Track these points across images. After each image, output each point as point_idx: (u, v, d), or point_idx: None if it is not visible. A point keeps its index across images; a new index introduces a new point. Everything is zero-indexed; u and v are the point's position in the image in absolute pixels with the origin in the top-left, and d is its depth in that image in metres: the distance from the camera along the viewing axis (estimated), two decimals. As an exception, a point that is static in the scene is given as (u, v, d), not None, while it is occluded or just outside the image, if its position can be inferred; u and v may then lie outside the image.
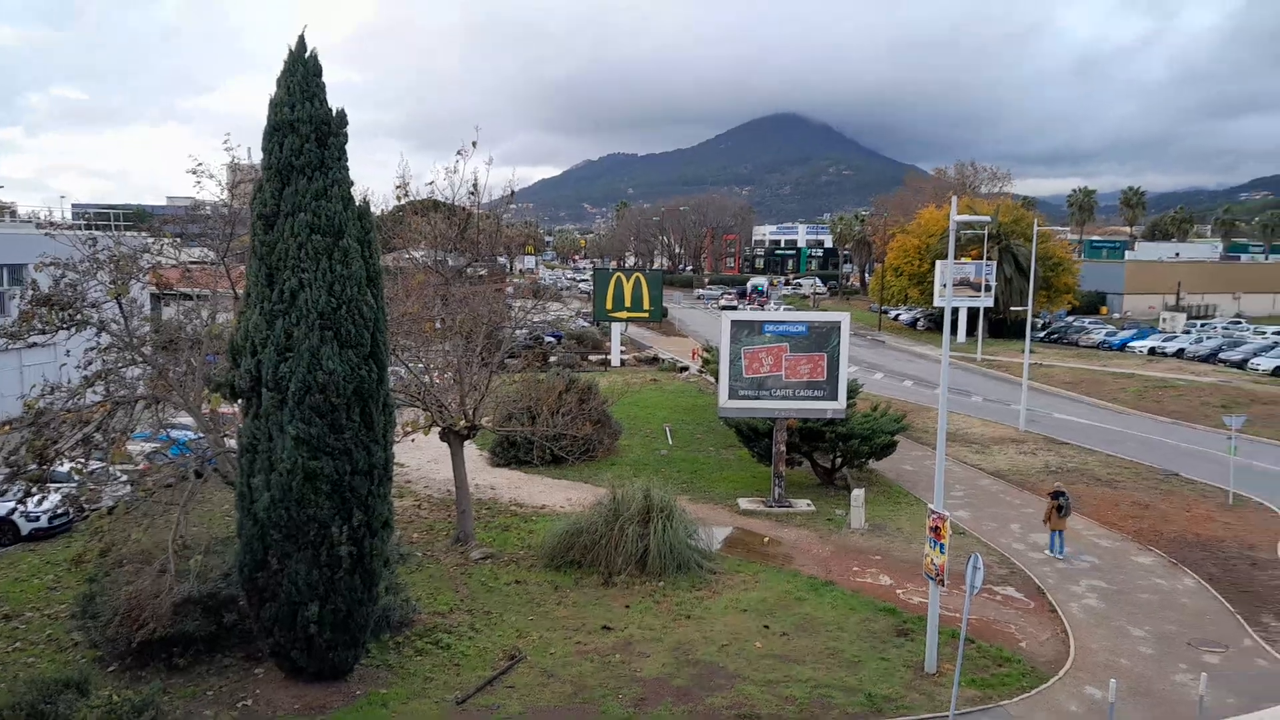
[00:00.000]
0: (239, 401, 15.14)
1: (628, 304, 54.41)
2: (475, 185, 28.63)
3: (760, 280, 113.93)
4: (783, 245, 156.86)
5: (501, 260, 45.56)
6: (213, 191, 18.76)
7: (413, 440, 23.16)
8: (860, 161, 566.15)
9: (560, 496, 27.29)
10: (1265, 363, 54.50)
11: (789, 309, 75.67)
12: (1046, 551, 23.26)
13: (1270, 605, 20.04)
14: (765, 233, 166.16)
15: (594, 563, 20.73)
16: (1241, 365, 55.71)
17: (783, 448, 26.79)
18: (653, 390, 46.65)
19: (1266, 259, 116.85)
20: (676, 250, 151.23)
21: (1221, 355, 58.37)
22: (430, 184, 30.40)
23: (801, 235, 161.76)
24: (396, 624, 17.18)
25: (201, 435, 17.98)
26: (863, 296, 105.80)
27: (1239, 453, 28.91)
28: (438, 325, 24.34)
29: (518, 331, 26.96)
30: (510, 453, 30.63)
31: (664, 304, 69.20)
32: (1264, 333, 67.18)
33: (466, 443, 23.70)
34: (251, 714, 14.46)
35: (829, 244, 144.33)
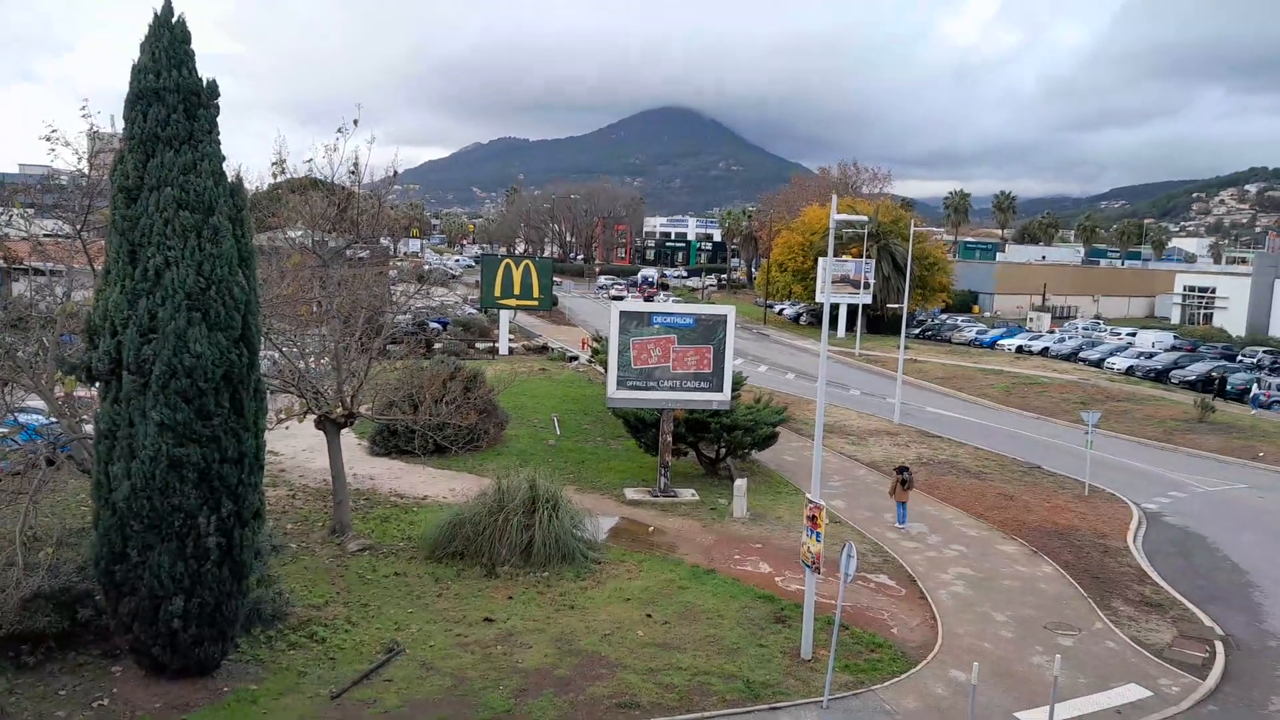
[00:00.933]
0: (96, 385, 14.24)
1: (516, 291, 53.87)
2: (356, 164, 27.75)
3: (650, 271, 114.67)
4: (673, 237, 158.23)
5: (384, 243, 44.30)
6: (69, 160, 17.51)
7: (286, 428, 22.33)
8: (749, 157, 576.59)
9: (443, 487, 26.81)
10: (1120, 362, 58.13)
11: (678, 301, 76.41)
12: (896, 523, 25.28)
13: (1119, 590, 21.37)
14: (656, 224, 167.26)
15: (477, 554, 20.42)
16: (1099, 364, 59.27)
17: (669, 438, 27.01)
18: (541, 380, 46.35)
19: (1122, 264, 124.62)
20: (568, 238, 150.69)
21: (1081, 354, 61.95)
22: (309, 161, 29.29)
23: (691, 228, 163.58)
24: (269, 618, 16.53)
25: (54, 420, 16.84)
26: (749, 291, 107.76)
27: (1095, 447, 30.76)
28: (315, 309, 23.48)
29: (400, 317, 26.28)
30: (391, 442, 29.89)
31: (554, 292, 68.84)
32: (1119, 334, 71.68)
33: (345, 431, 22.99)
34: (108, 713, 13.66)
35: (718, 238, 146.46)
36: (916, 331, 71.54)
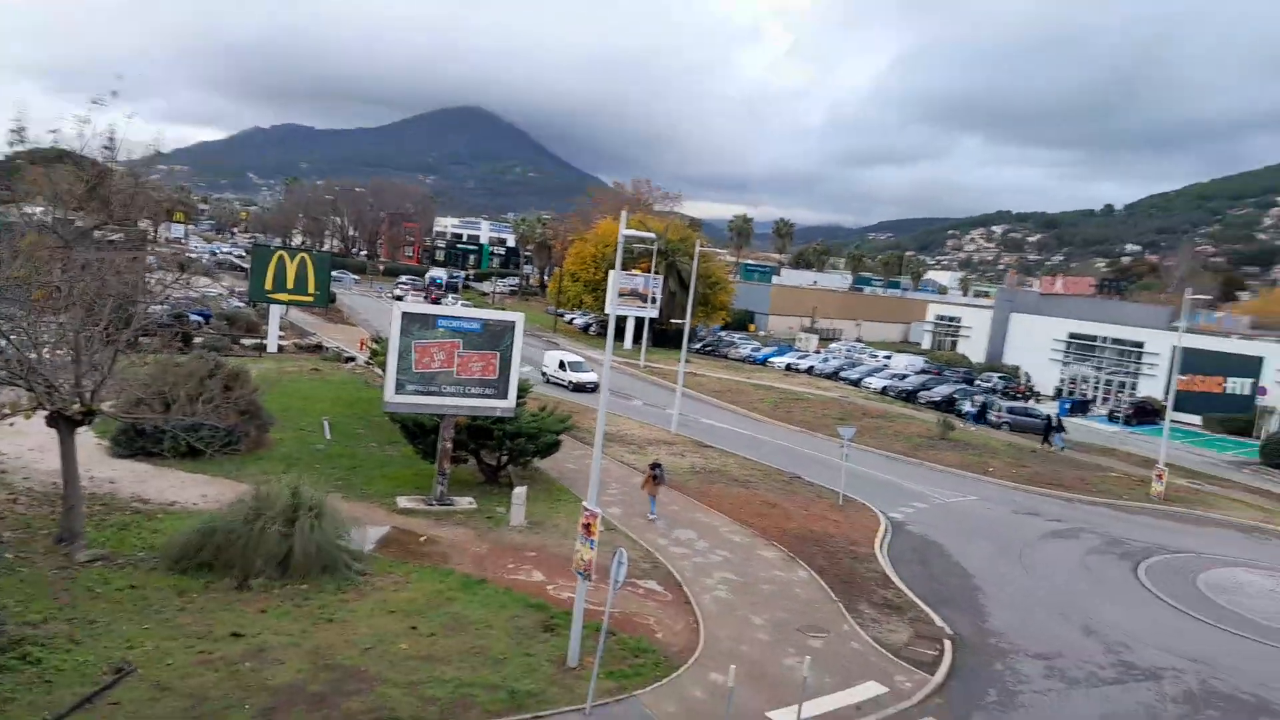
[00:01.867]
0: None
1: (290, 285, 50.96)
2: (112, 138, 25.27)
3: (439, 272, 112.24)
4: (465, 239, 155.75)
5: (143, 226, 40.67)
6: None
7: (11, 424, 19.92)
8: (548, 166, 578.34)
9: (194, 492, 24.85)
10: (876, 382, 62.93)
11: (467, 305, 75.20)
12: (649, 516, 27.17)
13: (865, 594, 23.01)
14: (448, 225, 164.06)
15: (228, 565, 19.04)
16: (858, 383, 63.88)
17: (449, 445, 26.43)
18: (313, 380, 44.12)
19: (884, 292, 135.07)
20: (351, 233, 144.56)
21: (843, 374, 66.53)
22: (54, 132, 26.35)
23: (485, 231, 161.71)
24: (-29, 639, 14.61)
25: None
26: (541, 298, 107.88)
27: (850, 460, 33.05)
28: (54, 294, 21.11)
29: (155, 307, 24.14)
30: (137, 443, 27.36)
31: (333, 289, 65.81)
32: (876, 356, 77.60)
33: (84, 430, 20.81)
34: None
35: (512, 243, 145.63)
36: (698, 346, 74.23)
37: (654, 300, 65.02)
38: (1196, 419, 60.73)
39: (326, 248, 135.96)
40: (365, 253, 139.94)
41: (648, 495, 27.75)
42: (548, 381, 50.02)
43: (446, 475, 26.50)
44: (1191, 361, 58.26)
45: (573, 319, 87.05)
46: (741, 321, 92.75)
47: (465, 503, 26.61)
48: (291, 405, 36.10)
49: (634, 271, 66.97)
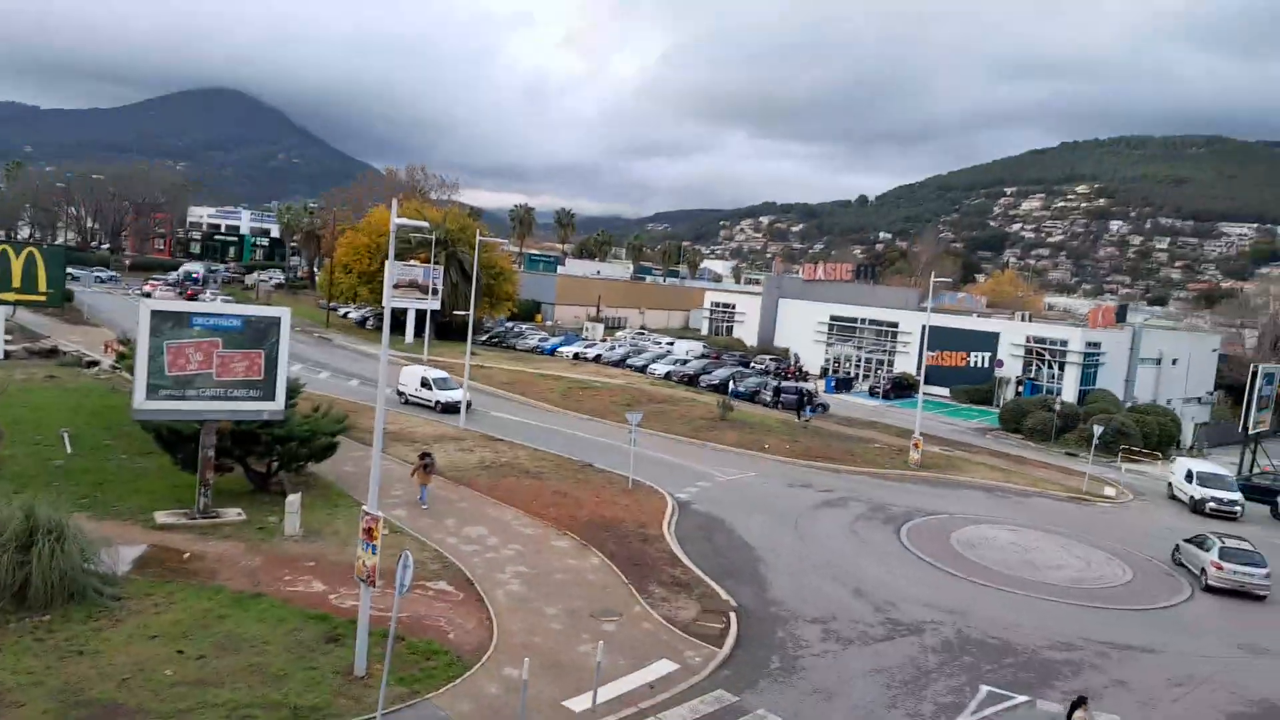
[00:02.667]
0: None
1: (16, 284, 45.26)
2: None
3: (195, 266, 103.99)
4: (224, 230, 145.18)
5: None
6: None
7: None
8: (312, 151, 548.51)
9: (-96, 521, 21.56)
10: (660, 368, 64.59)
11: (228, 300, 70.06)
12: (421, 502, 27.41)
13: (655, 574, 23.51)
14: (204, 215, 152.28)
15: (-52, 602, 16.67)
16: (643, 370, 65.29)
17: (211, 453, 24.45)
18: (49, 389, 39.62)
19: (664, 281, 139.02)
20: (89, 225, 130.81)
21: (629, 361, 67.77)
22: None
23: (246, 221, 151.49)
24: None
25: None
26: (312, 292, 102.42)
27: (638, 444, 33.68)
28: None
29: None
30: None
31: (68, 286, 59.39)
32: (660, 343, 79.68)
33: None
34: None
35: (276, 233, 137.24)
36: (483, 338, 73.17)
37: (435, 292, 63.31)
38: (945, 391, 66.79)
39: (60, 241, 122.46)
40: (108, 246, 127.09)
41: (418, 484, 27.86)
42: (407, 403, 44.65)
43: (210, 486, 24.53)
44: (938, 339, 64.05)
45: (347, 313, 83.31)
46: (528, 312, 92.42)
47: (233, 514, 24.76)
48: (23, 417, 32.20)
49: (412, 262, 64.84)
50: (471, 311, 45.62)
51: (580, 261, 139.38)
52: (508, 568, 22.88)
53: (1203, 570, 27.80)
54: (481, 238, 52.83)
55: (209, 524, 23.85)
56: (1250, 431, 46.33)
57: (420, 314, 66.27)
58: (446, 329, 70.77)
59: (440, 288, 64.91)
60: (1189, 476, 40.16)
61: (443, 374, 45.92)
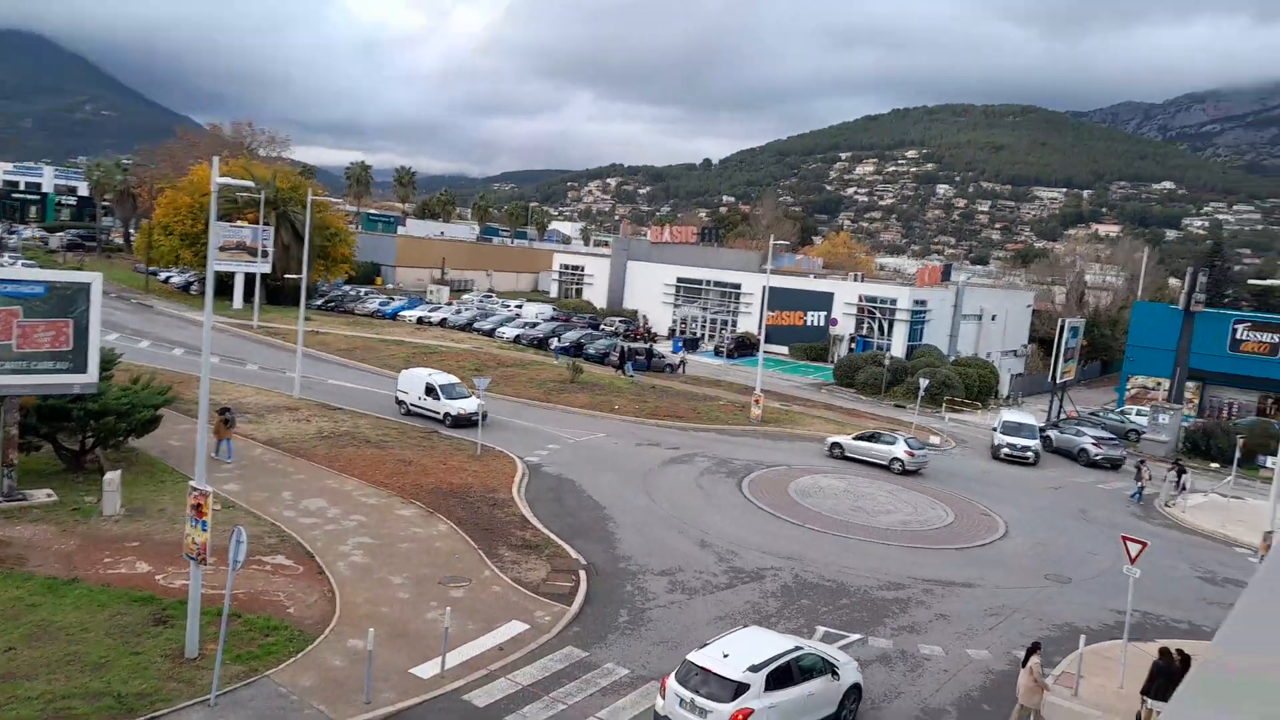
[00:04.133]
0: None
1: None
2: None
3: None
4: (23, 188, 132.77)
5: None
6: None
7: None
8: (124, 103, 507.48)
9: None
10: (509, 331, 63.91)
11: (29, 265, 64.23)
12: (216, 455, 27.15)
13: (504, 538, 23.41)
14: (1, 172, 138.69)
15: None
16: (491, 333, 64.43)
17: (14, 431, 22.51)
18: None
19: (512, 243, 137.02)
20: None
21: (476, 325, 66.69)
22: None
23: (49, 179, 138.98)
24: None
25: None
26: (129, 255, 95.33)
27: (488, 410, 33.25)
28: None
29: None
30: None
31: None
32: (508, 306, 78.72)
33: None
34: None
35: (84, 192, 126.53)
36: (319, 303, 70.26)
37: (265, 254, 60.21)
38: (784, 349, 69.23)
39: None
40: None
41: (217, 439, 27.44)
42: (409, 413, 36.94)
43: (14, 466, 22.62)
44: (778, 299, 66.18)
45: (169, 278, 78.11)
46: (368, 275, 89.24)
47: (43, 496, 22.95)
48: None
49: (240, 223, 61.41)
50: (304, 274, 43.56)
51: (423, 222, 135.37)
52: (350, 539, 22.24)
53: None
54: (315, 197, 50.37)
55: (15, 507, 22.01)
56: (1058, 381, 50.31)
57: (249, 278, 62.90)
58: (278, 293, 67.52)
59: (270, 250, 61.89)
60: (1001, 425, 43.22)
61: (451, 379, 38.01)
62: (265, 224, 61.86)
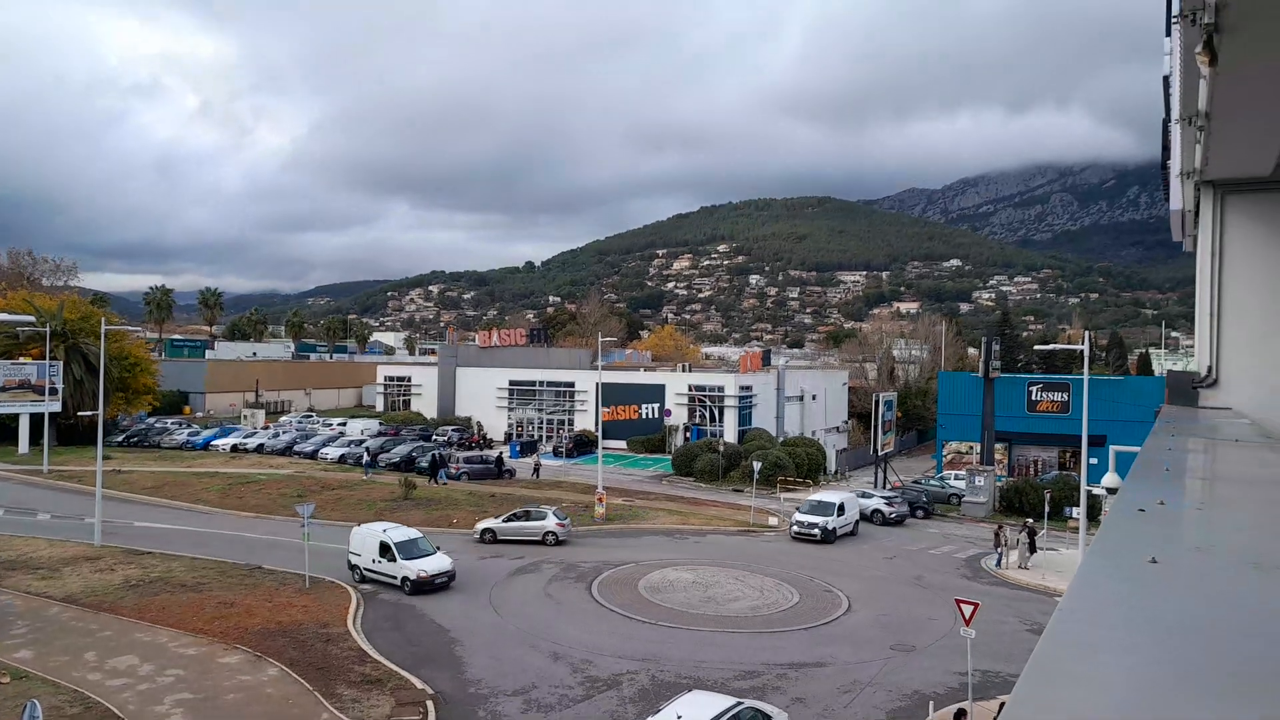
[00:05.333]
0: None
1: None
2: None
3: None
4: None
5: None
6: None
7: None
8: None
9: None
10: (333, 451, 61.04)
11: None
12: None
13: (342, 675, 21.79)
14: None
15: None
16: (314, 455, 61.31)
17: None
18: None
19: (330, 358, 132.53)
20: None
21: (296, 448, 63.34)
22: None
23: None
24: None
25: None
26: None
27: (313, 538, 31.33)
28: None
29: None
30: None
31: None
32: (331, 424, 75.46)
33: None
34: None
35: None
36: (121, 439, 65.02)
37: (54, 392, 55.40)
38: (623, 443, 69.54)
39: None
40: None
41: None
42: (363, 580, 31.16)
43: None
44: (612, 394, 66.77)
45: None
46: (175, 404, 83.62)
47: None
48: None
49: (23, 360, 56.40)
50: (101, 410, 40.22)
51: (233, 344, 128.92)
52: (167, 698, 20.07)
53: None
54: (109, 326, 47.04)
55: None
56: (880, 453, 52.86)
57: (37, 418, 57.51)
58: (72, 433, 62.03)
59: (60, 386, 57.07)
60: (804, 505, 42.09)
61: (410, 533, 32.31)
62: (53, 359, 57.09)
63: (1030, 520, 40.04)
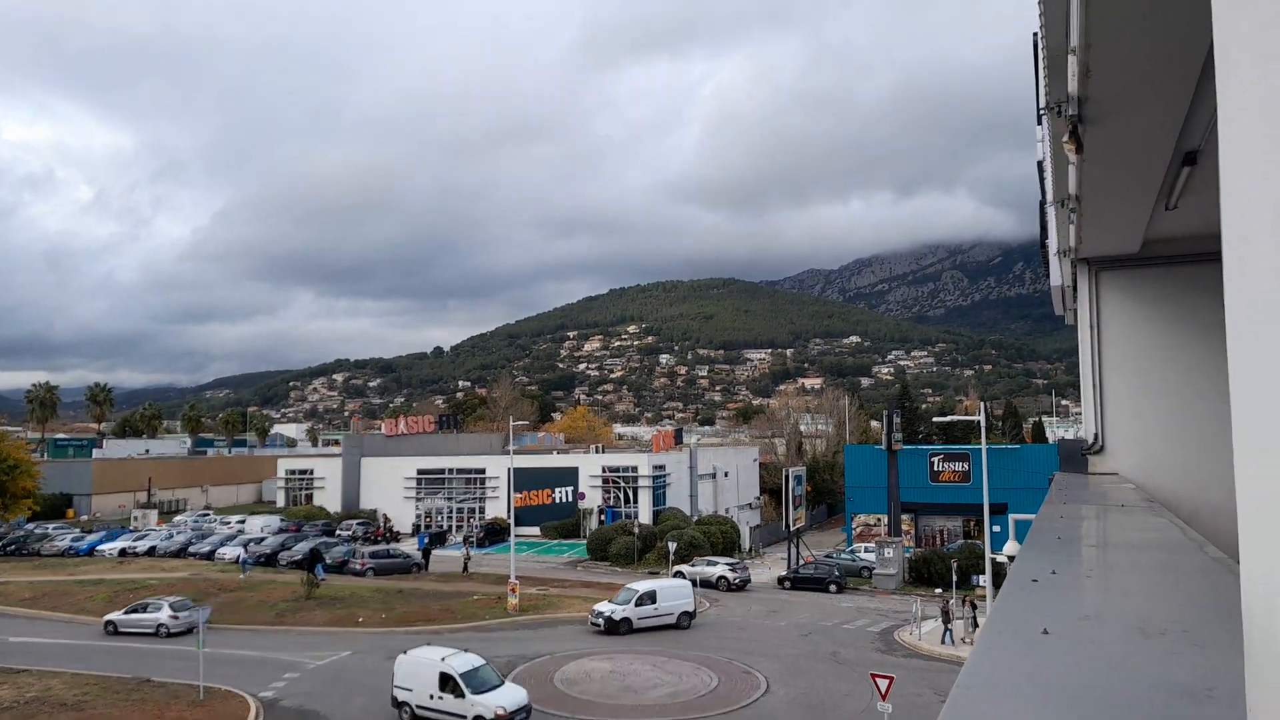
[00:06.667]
0: None
1: None
2: None
3: None
4: None
5: None
6: None
7: None
8: None
9: None
10: (230, 551, 58.17)
11: None
12: None
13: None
14: None
15: None
16: (210, 556, 58.35)
17: None
18: None
19: (229, 453, 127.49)
20: None
21: (192, 548, 60.24)
22: None
23: None
24: None
25: None
26: None
27: (207, 644, 29.60)
28: None
29: None
30: None
31: None
32: (229, 523, 72.13)
33: None
34: None
35: None
36: None
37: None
38: (537, 530, 68.30)
39: None
40: None
41: None
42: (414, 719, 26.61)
43: None
44: (524, 479, 65.79)
45: None
46: (58, 507, 78.83)
47: None
48: None
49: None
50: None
51: (123, 441, 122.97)
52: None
53: None
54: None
55: None
56: (792, 528, 53.18)
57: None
58: (-56, 543, 57.78)
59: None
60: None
61: (474, 660, 27.36)
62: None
63: (939, 590, 40.65)
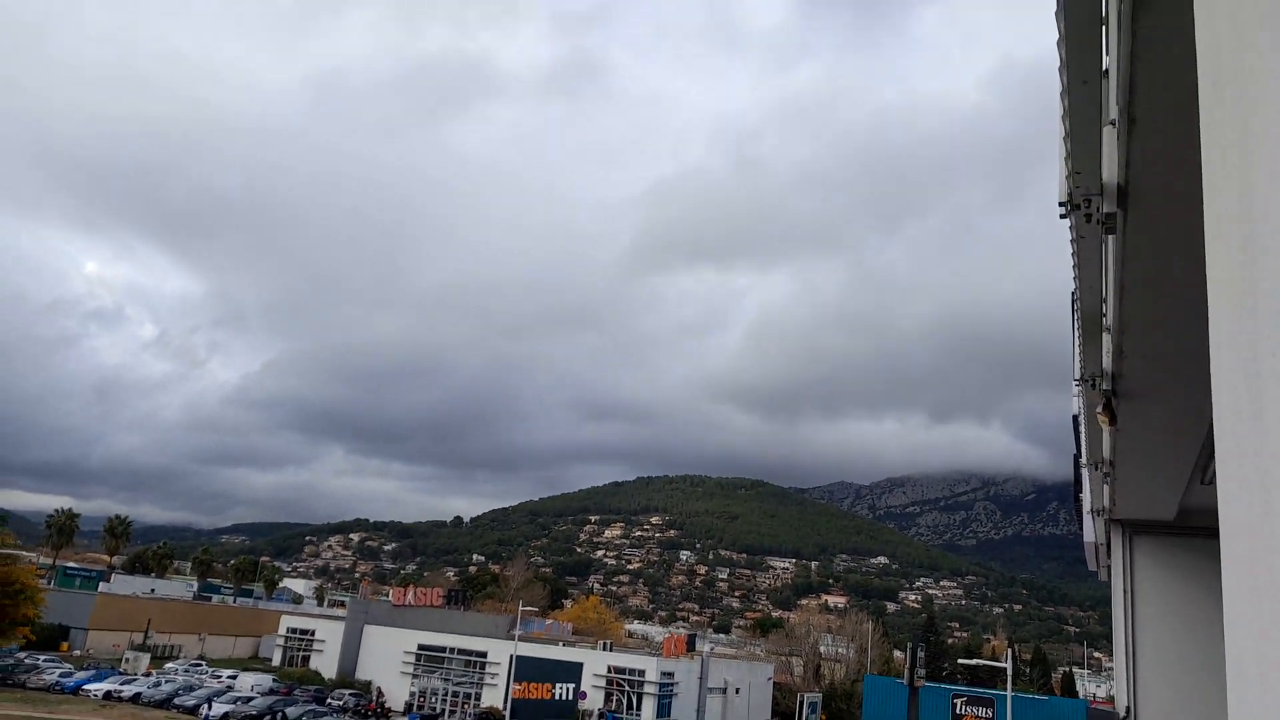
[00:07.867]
0: None
1: None
2: None
3: None
4: None
5: None
6: None
7: None
8: None
9: None
10: (218, 708, 55.94)
11: None
12: None
13: None
14: None
15: None
16: (194, 710, 56.13)
17: None
18: None
19: (234, 601, 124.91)
20: None
21: (178, 700, 58.12)
22: None
23: None
24: None
25: None
26: None
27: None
28: None
29: None
30: None
31: None
32: (220, 676, 69.76)
33: None
34: None
35: None
36: (-18, 674, 59.16)
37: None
38: (529, 725, 65.00)
39: None
40: None
41: None
42: None
43: None
44: (526, 669, 63.36)
45: None
46: (53, 638, 77.04)
47: None
48: None
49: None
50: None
51: (131, 578, 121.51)
52: None
53: None
54: None
55: None
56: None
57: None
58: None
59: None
60: None
61: None
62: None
63: None
